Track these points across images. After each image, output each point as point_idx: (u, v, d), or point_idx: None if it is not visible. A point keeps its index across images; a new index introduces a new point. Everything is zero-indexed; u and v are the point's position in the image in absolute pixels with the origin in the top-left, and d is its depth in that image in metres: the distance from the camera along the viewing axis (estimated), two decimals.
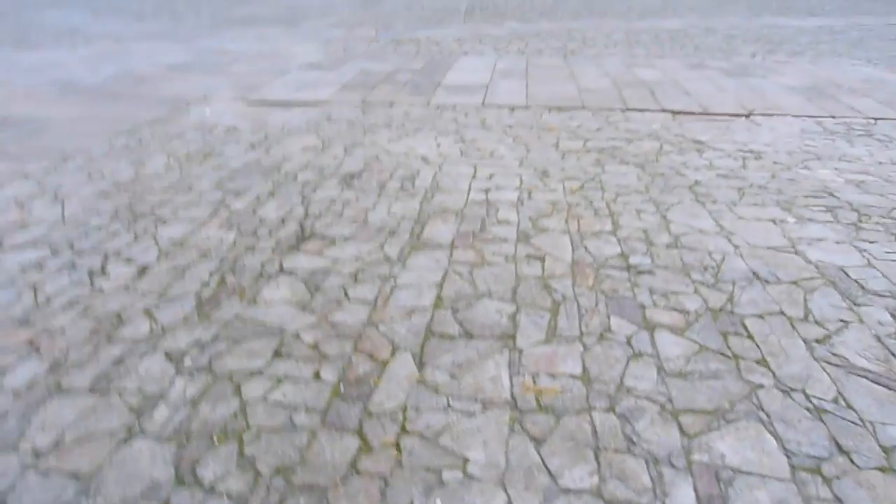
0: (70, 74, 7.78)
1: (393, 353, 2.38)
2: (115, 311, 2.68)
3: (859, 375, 2.29)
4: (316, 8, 17.10)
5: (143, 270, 3.00)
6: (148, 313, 2.65)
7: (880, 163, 4.71)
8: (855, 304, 2.75)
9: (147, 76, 7.66)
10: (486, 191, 3.96)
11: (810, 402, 2.15)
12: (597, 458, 1.92)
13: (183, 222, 3.53)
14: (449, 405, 2.12)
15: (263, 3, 18.71)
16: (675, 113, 6.02)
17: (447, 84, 7.12)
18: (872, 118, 6.01)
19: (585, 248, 3.23)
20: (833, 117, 6.01)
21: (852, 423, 2.06)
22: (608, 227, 3.48)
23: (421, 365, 2.32)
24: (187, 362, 2.34)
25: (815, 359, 2.37)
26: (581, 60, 8.84)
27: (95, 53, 9.58)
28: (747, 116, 5.98)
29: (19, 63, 8.74)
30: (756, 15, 16.39)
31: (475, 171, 4.32)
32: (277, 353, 2.38)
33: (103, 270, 3.01)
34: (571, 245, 3.26)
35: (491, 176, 4.23)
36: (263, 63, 8.52)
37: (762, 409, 2.10)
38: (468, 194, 3.91)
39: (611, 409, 2.11)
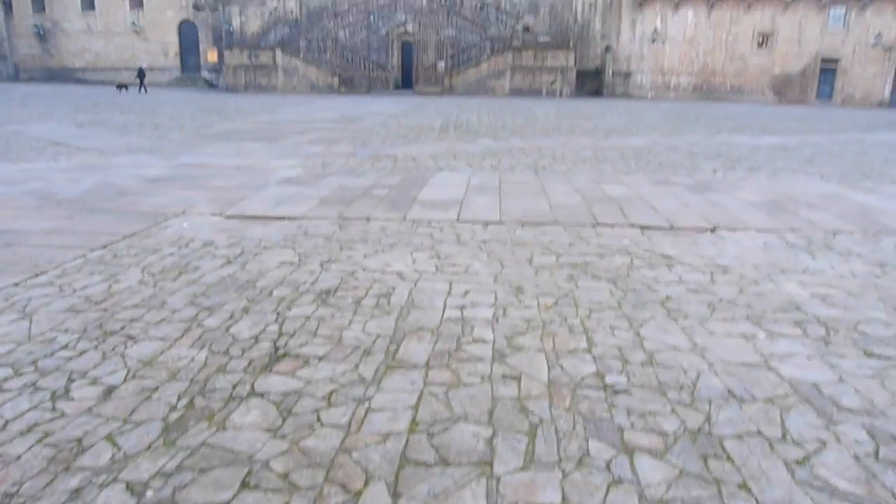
0: (49, 187, 7.85)
1: (366, 483, 2.30)
2: (77, 437, 2.56)
3: (841, 499, 2.25)
4: (296, 124, 17.75)
5: (108, 392, 2.91)
6: (111, 439, 2.55)
7: (842, 276, 4.87)
8: (831, 423, 2.75)
9: (127, 189, 7.76)
10: (462, 308, 3.99)
11: None
12: None
13: (153, 341, 3.47)
14: None
15: (245, 119, 19.40)
16: (643, 228, 6.23)
17: (423, 199, 7.33)
18: (831, 231, 6.27)
19: (561, 366, 3.23)
20: (794, 231, 6.26)
21: None
22: (583, 344, 3.50)
23: (395, 496, 2.23)
24: (149, 494, 2.22)
25: (797, 482, 2.34)
26: (552, 176, 9.21)
27: (77, 166, 9.72)
28: (712, 231, 6.21)
29: None
30: (714, 133, 17.39)
31: (450, 288, 4.37)
32: (245, 484, 2.28)
33: (67, 392, 2.91)
34: (547, 364, 3.26)
35: (466, 293, 4.28)
36: (243, 177, 8.72)
37: None
38: (443, 311, 3.93)
39: None
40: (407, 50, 43.69)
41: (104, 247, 5.27)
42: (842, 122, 24.70)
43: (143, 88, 40.72)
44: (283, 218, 6.36)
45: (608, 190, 8.14)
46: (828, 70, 44.25)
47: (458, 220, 6.39)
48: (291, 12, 47.79)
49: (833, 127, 21.59)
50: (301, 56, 43.07)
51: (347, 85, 41.35)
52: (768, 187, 8.76)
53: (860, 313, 4.08)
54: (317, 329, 3.65)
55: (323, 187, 8.01)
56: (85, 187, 7.85)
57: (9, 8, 60.15)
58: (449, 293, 4.26)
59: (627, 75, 45.41)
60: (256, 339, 3.51)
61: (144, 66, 46.38)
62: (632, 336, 3.62)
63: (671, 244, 5.66)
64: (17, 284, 4.34)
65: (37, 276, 4.53)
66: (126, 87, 40.39)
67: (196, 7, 53.04)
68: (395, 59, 44.00)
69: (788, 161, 11.85)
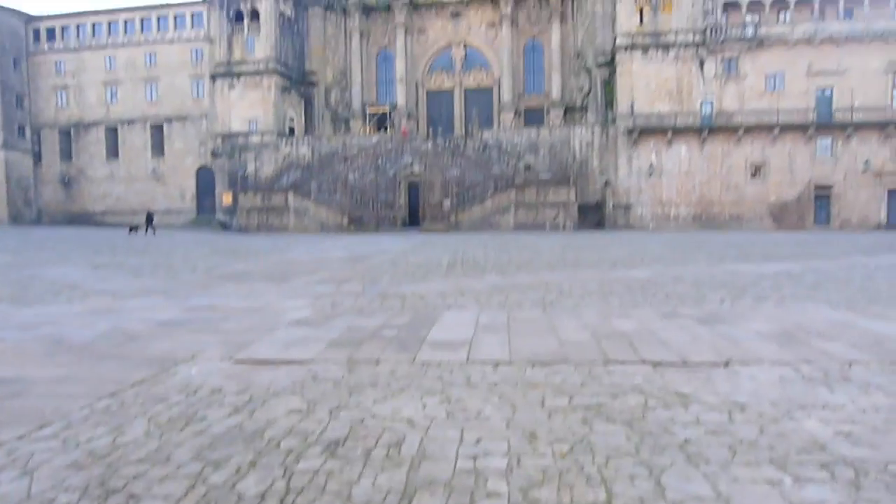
0: (61, 331, 7.92)
1: None
2: None
3: None
4: (306, 264, 18.15)
5: None
6: None
7: (864, 410, 4.73)
8: None
9: (138, 334, 7.81)
10: (474, 458, 3.87)
11: None
12: None
13: (157, 500, 3.35)
14: None
15: (256, 259, 19.87)
16: (655, 364, 6.15)
17: (432, 340, 7.32)
18: (846, 362, 6.17)
19: None
20: (808, 363, 6.16)
21: None
22: (602, 496, 3.35)
23: None
24: None
25: None
26: (560, 312, 9.23)
27: (90, 309, 9.86)
28: (726, 365, 6.12)
29: (13, 319, 8.93)
30: (718, 262, 17.61)
31: (462, 435, 4.25)
32: None
33: None
34: None
35: (478, 440, 4.16)
36: (253, 320, 8.79)
37: None
38: (455, 462, 3.80)
39: None
40: (413, 190, 45.62)
41: (112, 395, 5.23)
42: (842, 246, 25.05)
43: (150, 230, 42.15)
44: (291, 362, 6.34)
45: (617, 324, 8.13)
46: (822, 196, 45.68)
47: (467, 360, 6.34)
48: (304, 157, 50.53)
49: (834, 251, 21.87)
50: (312, 197, 44.90)
51: (356, 224, 42.73)
52: (777, 316, 8.74)
53: (888, 452, 3.92)
54: (325, 484, 3.52)
55: (332, 329, 8.04)
56: (96, 332, 7.91)
57: (38, 158, 64.09)
58: (461, 441, 4.15)
59: (627, 208, 46.88)
60: (263, 496, 3.38)
61: (160, 208, 48.39)
62: (652, 486, 3.47)
63: (685, 381, 5.56)
64: (20, 438, 4.27)
65: (41, 428, 4.46)
66: (137, 228, 41.89)
67: (214, 154, 56.26)
68: (403, 199, 45.81)
69: (794, 288, 11.90)
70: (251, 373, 5.94)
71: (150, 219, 43.44)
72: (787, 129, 45.04)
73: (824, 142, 45.35)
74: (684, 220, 46.44)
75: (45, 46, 63.29)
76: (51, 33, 63.30)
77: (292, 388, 5.41)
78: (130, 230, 41.34)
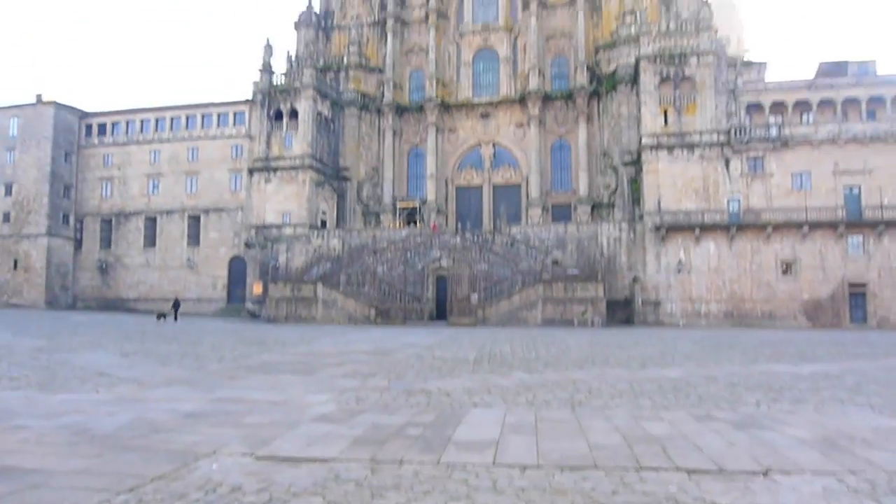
0: (86, 421, 7.91)
1: None
2: None
3: None
4: (332, 357, 18.11)
5: None
6: None
7: None
8: None
9: (161, 425, 7.77)
10: None
11: None
12: None
13: None
14: None
15: (283, 350, 19.90)
16: (690, 472, 5.89)
17: (457, 440, 7.13)
18: (894, 473, 5.84)
19: None
20: (854, 473, 5.85)
21: None
22: None
23: None
24: None
25: None
26: (589, 412, 8.98)
27: (116, 398, 9.88)
28: (765, 475, 5.84)
29: (39, 407, 8.97)
30: (752, 362, 17.10)
31: None
32: None
33: None
34: None
35: None
36: (276, 414, 8.70)
37: None
38: None
39: None
40: (441, 283, 45.92)
41: (131, 490, 5.15)
42: (881, 346, 24.20)
43: (176, 318, 43.11)
44: (314, 460, 6.20)
45: (648, 427, 7.86)
46: (857, 294, 44.70)
47: (493, 463, 6.14)
48: (334, 249, 51.56)
49: (874, 352, 21.13)
50: (341, 289, 45.42)
51: (384, 316, 42.85)
52: (817, 422, 8.38)
53: None
54: None
55: (356, 425, 7.90)
56: (120, 422, 7.89)
57: (79, 245, 66.46)
58: None
59: (657, 304, 46.32)
60: None
61: (191, 297, 49.31)
62: None
63: (722, 491, 5.29)
64: None
65: None
66: (165, 315, 42.79)
67: (247, 245, 57.69)
68: (430, 292, 46.06)
69: (834, 391, 11.45)
70: (272, 470, 5.83)
71: (176, 306, 44.58)
72: (816, 226, 44.78)
73: (855, 239, 44.87)
74: (715, 317, 45.59)
75: (96, 140, 67.01)
76: (101, 128, 67.17)
77: (314, 489, 5.27)
78: (158, 317, 42.10)
